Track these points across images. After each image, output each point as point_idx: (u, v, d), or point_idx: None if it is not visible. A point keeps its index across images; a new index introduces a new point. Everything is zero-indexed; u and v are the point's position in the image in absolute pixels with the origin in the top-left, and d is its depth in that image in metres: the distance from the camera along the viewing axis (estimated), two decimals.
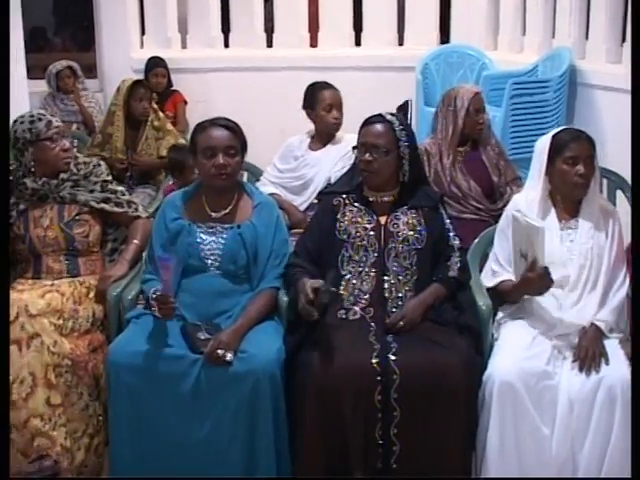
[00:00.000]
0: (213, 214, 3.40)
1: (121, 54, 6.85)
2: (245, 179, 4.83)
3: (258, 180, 4.66)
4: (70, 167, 3.62)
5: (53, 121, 3.58)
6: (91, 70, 7.09)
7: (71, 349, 3.28)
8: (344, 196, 3.39)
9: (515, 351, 3.05)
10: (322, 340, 3.07)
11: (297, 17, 6.69)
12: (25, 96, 4.81)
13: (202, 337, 3.15)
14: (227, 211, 3.40)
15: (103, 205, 3.66)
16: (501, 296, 3.33)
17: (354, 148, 3.37)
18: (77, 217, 3.61)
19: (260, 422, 3.06)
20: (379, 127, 3.28)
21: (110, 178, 3.75)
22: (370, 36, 6.69)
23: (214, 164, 3.31)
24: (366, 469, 2.99)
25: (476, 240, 3.62)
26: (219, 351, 3.06)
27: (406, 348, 3.01)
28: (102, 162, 3.82)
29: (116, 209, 3.69)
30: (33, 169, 3.57)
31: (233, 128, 3.41)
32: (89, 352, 3.34)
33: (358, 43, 6.87)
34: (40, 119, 3.56)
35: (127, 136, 5.26)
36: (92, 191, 3.66)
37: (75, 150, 3.71)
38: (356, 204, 3.35)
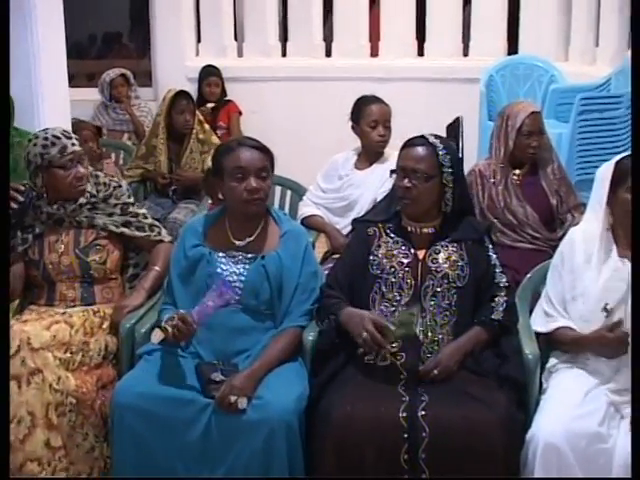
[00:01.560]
0: (237, 242, 3.07)
1: (176, 62, 6.68)
2: (288, 198, 4.54)
3: (301, 199, 4.33)
4: (84, 193, 3.32)
5: (68, 146, 3.26)
6: (142, 78, 6.91)
7: (77, 386, 2.99)
8: (380, 225, 3.03)
9: (564, 408, 2.64)
10: (345, 388, 2.74)
11: (357, 26, 6.38)
12: (66, 104, 4.62)
13: (217, 379, 2.84)
14: (252, 239, 3.07)
15: (123, 229, 3.37)
16: (554, 344, 2.92)
17: (392, 172, 3.02)
18: (94, 242, 3.32)
19: (275, 475, 2.74)
20: (420, 150, 2.92)
21: (132, 200, 3.45)
22: (433, 46, 6.35)
23: (246, 188, 2.97)
24: None
25: (527, 276, 3.22)
26: (232, 397, 2.74)
27: (438, 402, 2.64)
28: (124, 183, 3.52)
29: (137, 233, 3.40)
30: (45, 194, 3.30)
31: (264, 148, 3.08)
32: (98, 389, 3.05)
33: (421, 53, 6.52)
34: (54, 143, 3.24)
35: (170, 149, 5.01)
36: (111, 214, 3.36)
37: (106, 168, 3.43)
38: (392, 235, 3.00)
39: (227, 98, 6.42)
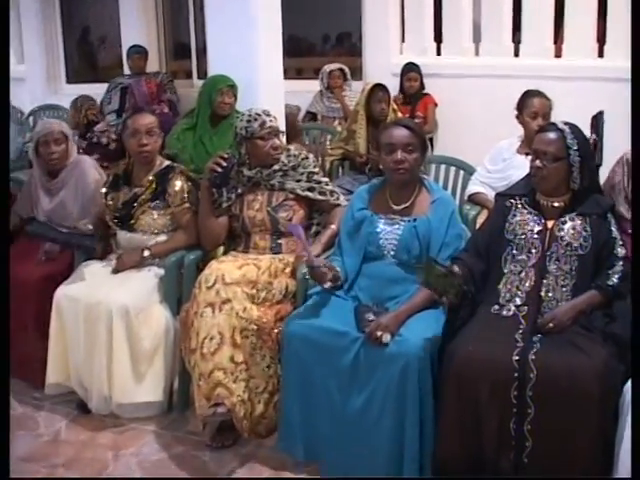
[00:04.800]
0: (394, 207, 3.33)
1: (383, 59, 6.91)
2: (461, 177, 4.72)
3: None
4: (278, 161, 3.67)
5: (267, 121, 3.64)
6: (357, 73, 7.19)
7: (259, 316, 3.34)
8: (517, 198, 3.18)
9: None
10: (471, 332, 2.92)
11: (543, 29, 6.34)
12: (280, 94, 4.97)
13: (369, 318, 3.09)
14: (407, 205, 3.32)
15: (307, 193, 3.70)
16: None
17: (527, 154, 3.16)
18: (283, 202, 3.68)
19: (408, 402, 2.96)
20: (550, 135, 3.04)
21: (316, 170, 3.77)
22: (614, 48, 6.20)
23: (393, 159, 3.23)
24: (499, 459, 2.79)
25: None
26: (378, 332, 2.99)
27: (547, 350, 2.77)
28: (310, 155, 3.84)
29: (319, 197, 3.72)
30: (247, 160, 3.68)
31: (412, 127, 3.32)
32: (276, 320, 3.36)
33: (601, 55, 6.39)
34: (256, 119, 3.64)
35: (368, 133, 5.26)
36: (299, 180, 3.70)
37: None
38: (527, 207, 3.13)
39: (425, 91, 6.61)
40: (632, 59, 3.04)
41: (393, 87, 6.44)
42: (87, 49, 9.57)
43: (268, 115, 3.69)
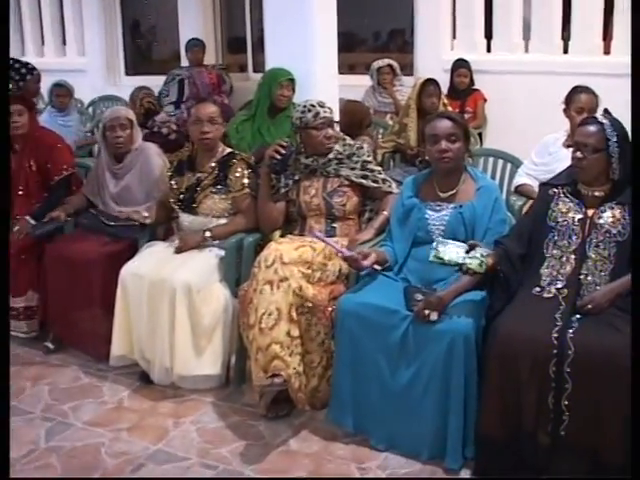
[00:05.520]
0: (441, 194, 3.55)
1: (434, 55, 7.10)
2: (508, 169, 4.91)
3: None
4: (332, 150, 3.90)
5: (320, 112, 3.88)
6: (408, 69, 7.40)
7: (314, 295, 3.57)
8: (560, 187, 3.37)
9: None
10: (514, 311, 3.13)
11: (593, 26, 6.47)
12: (335, 88, 5.15)
13: (418, 298, 3.30)
14: (453, 192, 3.53)
15: (361, 180, 3.93)
16: None
17: (568, 146, 3.34)
18: (338, 189, 3.91)
19: (453, 378, 3.17)
20: (591, 128, 3.23)
21: (370, 159, 4.00)
22: None
23: (437, 149, 3.45)
24: (537, 432, 3.00)
25: None
26: (426, 311, 3.21)
27: (585, 329, 2.97)
28: (365, 145, 4.08)
29: (372, 184, 3.94)
30: (303, 149, 3.92)
31: (454, 118, 3.55)
32: (330, 299, 3.59)
33: None
34: (310, 110, 3.88)
35: (419, 126, 5.46)
36: (353, 168, 3.94)
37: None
38: (569, 196, 3.32)
39: (475, 87, 6.80)
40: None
41: (443, 83, 6.62)
42: (145, 42, 9.94)
43: (322, 106, 3.92)
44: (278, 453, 3.45)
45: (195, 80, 7.21)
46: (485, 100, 6.72)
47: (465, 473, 3.21)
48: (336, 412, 3.51)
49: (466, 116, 6.50)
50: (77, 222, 4.65)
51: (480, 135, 6.47)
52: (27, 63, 6.41)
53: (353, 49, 8.63)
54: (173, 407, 3.88)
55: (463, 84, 6.73)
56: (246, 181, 4.12)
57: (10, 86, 6.32)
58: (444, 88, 6.50)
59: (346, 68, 8.09)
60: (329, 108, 3.94)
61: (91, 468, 3.39)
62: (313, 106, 3.91)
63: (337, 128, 4.01)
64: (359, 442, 3.47)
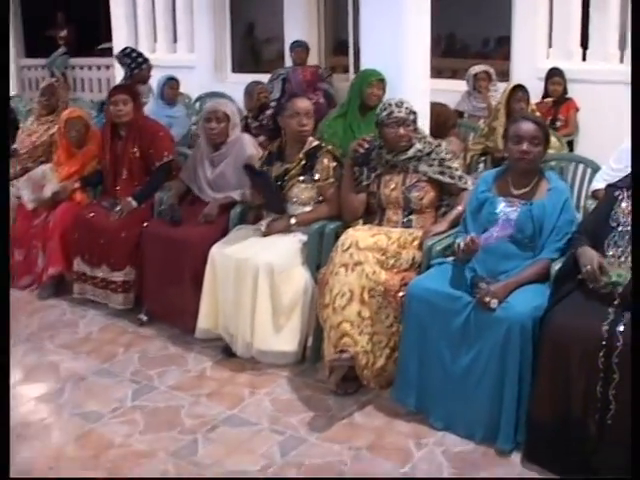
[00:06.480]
0: (514, 191, 3.75)
1: (529, 63, 7.26)
2: (588, 174, 5.06)
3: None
4: (408, 147, 4.16)
5: (395, 111, 4.13)
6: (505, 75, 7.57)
7: (386, 280, 3.85)
8: (625, 190, 3.54)
9: None
10: (569, 304, 3.32)
11: None
12: (425, 90, 5.34)
13: (482, 286, 3.53)
14: (526, 190, 3.73)
15: (438, 176, 4.18)
16: None
17: None
18: (416, 184, 4.17)
19: (509, 364, 3.38)
20: None
21: (448, 157, 4.25)
22: None
23: (519, 150, 3.67)
24: (585, 420, 3.17)
25: None
26: (487, 299, 3.44)
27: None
28: (443, 143, 4.33)
29: (448, 180, 4.19)
30: (383, 145, 4.20)
31: (539, 122, 3.75)
32: (401, 285, 3.83)
33: None
34: (385, 109, 4.17)
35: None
36: (431, 165, 4.19)
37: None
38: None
39: (567, 96, 6.92)
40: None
41: (538, 90, 6.79)
42: (251, 42, 10.43)
43: (398, 106, 4.17)
44: (342, 425, 3.74)
45: (290, 78, 7.59)
46: (577, 109, 6.84)
47: (516, 456, 3.42)
48: (400, 391, 3.77)
49: (558, 124, 6.66)
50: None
51: (571, 143, 6.59)
52: (142, 53, 7.02)
53: (459, 55, 8.84)
54: (251, 379, 4.22)
55: (557, 92, 6.87)
56: (331, 172, 4.43)
57: (123, 72, 6.93)
58: (538, 96, 6.67)
59: (449, 73, 8.34)
60: (407, 108, 4.17)
61: (170, 426, 3.76)
62: (390, 105, 4.18)
63: (424, 128, 4.25)
64: (419, 420, 3.72)
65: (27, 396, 4.09)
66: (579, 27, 7.21)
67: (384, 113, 4.17)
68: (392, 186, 4.20)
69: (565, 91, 6.90)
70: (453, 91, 7.26)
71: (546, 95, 6.94)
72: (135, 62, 6.94)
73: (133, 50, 7.22)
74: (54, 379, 4.28)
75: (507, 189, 3.78)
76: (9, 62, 4.12)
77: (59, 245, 5.39)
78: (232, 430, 3.72)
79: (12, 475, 3.20)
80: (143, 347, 4.66)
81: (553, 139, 5.54)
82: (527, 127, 3.70)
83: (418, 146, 4.20)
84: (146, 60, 7.04)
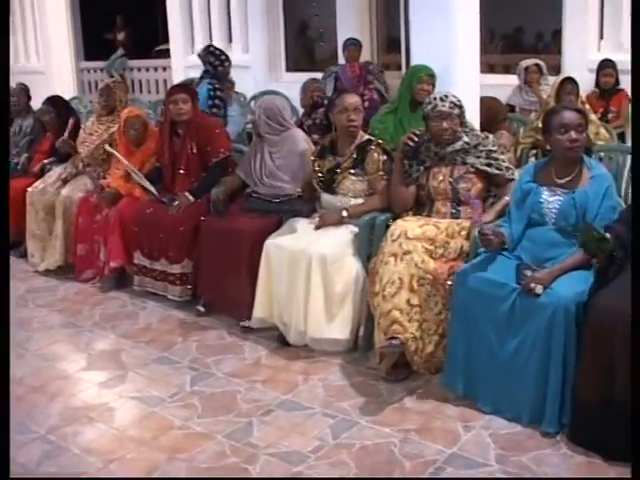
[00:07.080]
0: (557, 180, 3.86)
1: (580, 56, 7.32)
2: None
3: None
4: (452, 140, 4.29)
5: (438, 105, 4.26)
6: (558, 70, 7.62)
7: (434, 268, 4.00)
8: None
9: None
10: (612, 288, 3.42)
11: None
12: (475, 85, 5.44)
13: (527, 273, 3.65)
14: (569, 179, 3.83)
15: (486, 168, 4.30)
16: None
17: None
18: (464, 175, 4.30)
19: (553, 347, 3.49)
20: None
21: (495, 148, 4.37)
22: None
23: (568, 139, 3.76)
24: (627, 401, 3.25)
25: None
26: (532, 285, 3.56)
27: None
28: (490, 136, 4.44)
29: (495, 171, 4.31)
30: (430, 138, 4.33)
31: (581, 110, 3.86)
32: (449, 274, 3.97)
33: None
34: (430, 102, 4.32)
35: None
36: (479, 157, 4.32)
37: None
38: None
39: (620, 87, 6.96)
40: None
41: (589, 82, 6.84)
42: (305, 41, 10.62)
43: (442, 100, 4.30)
44: (393, 409, 3.89)
45: (340, 75, 7.76)
46: (630, 100, 6.84)
47: (561, 439, 3.53)
48: (449, 377, 3.91)
49: (610, 116, 6.70)
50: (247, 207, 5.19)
51: (623, 134, 6.61)
52: (223, 50, 7.36)
53: (512, 50, 8.90)
54: (304, 366, 4.40)
55: (608, 84, 6.92)
56: (381, 165, 4.59)
57: (205, 68, 7.19)
58: (590, 88, 6.71)
59: (501, 68, 8.43)
60: (451, 102, 4.29)
61: (227, 410, 3.95)
62: (435, 99, 4.32)
63: (473, 121, 4.37)
64: (467, 405, 3.85)
65: (91, 382, 4.34)
66: (630, 18, 7.18)
67: (429, 107, 4.31)
68: (440, 178, 4.33)
69: (617, 82, 6.94)
70: (506, 85, 7.35)
71: (598, 87, 7.00)
72: (218, 59, 7.21)
73: (216, 48, 7.49)
74: (116, 366, 4.51)
75: (550, 179, 3.88)
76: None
77: (120, 239, 5.64)
78: (286, 414, 3.89)
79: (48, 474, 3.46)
80: (201, 336, 4.87)
81: (602, 130, 5.67)
82: (571, 116, 3.79)
83: (465, 139, 4.32)
84: (227, 57, 7.33)
